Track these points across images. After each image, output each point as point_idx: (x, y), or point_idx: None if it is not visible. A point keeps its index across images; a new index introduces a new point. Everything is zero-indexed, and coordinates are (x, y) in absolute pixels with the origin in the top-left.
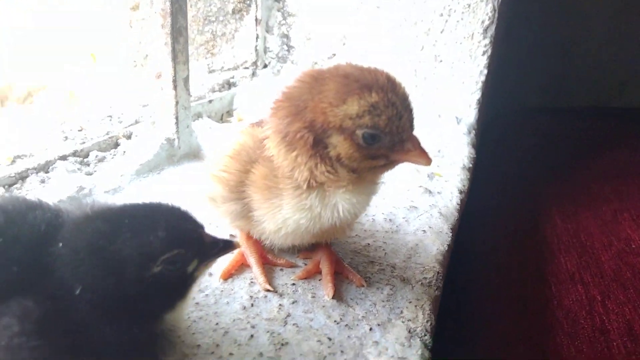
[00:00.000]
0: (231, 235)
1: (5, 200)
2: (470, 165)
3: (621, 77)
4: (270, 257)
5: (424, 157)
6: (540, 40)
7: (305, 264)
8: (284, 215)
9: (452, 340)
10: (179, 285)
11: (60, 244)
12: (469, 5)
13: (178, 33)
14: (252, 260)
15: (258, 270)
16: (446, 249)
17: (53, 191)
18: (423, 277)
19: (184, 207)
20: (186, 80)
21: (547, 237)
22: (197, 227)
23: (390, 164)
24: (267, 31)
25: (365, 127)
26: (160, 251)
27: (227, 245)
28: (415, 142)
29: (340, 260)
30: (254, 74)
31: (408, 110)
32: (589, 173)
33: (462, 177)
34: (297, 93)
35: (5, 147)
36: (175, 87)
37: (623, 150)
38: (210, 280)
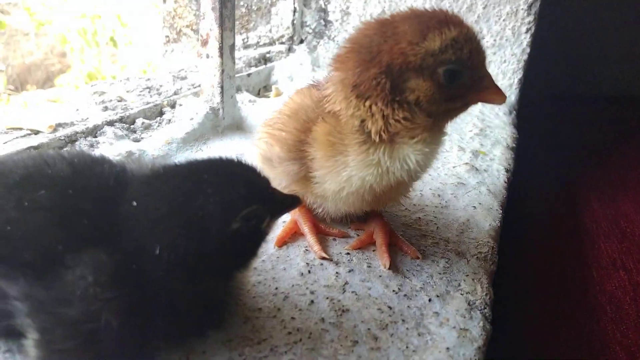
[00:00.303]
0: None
1: (71, 154)
2: (514, 145)
3: None
4: (323, 227)
5: (499, 94)
6: (572, 27)
7: (358, 235)
8: (349, 173)
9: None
10: (254, 241)
11: (135, 202)
12: None
13: None
14: (305, 228)
15: (312, 239)
16: (498, 225)
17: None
18: (478, 251)
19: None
20: (232, 47)
21: (586, 223)
22: (269, 183)
23: (465, 105)
24: (304, 5)
25: (448, 62)
26: (241, 207)
27: (295, 201)
28: (491, 80)
29: (394, 231)
30: (290, 50)
31: (482, 46)
32: (624, 159)
33: (507, 155)
34: (366, 40)
35: (44, 117)
36: (221, 55)
37: None
38: (266, 247)
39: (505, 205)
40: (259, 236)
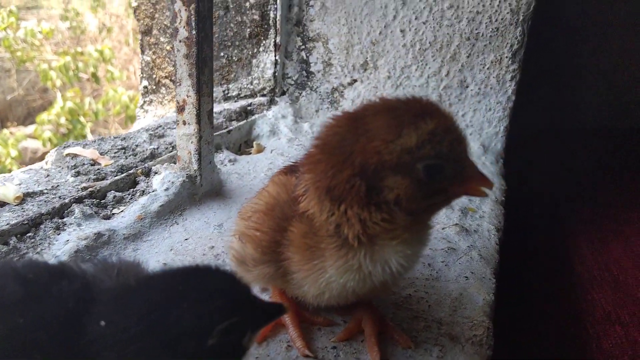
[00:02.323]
0: (263, 290)
1: (25, 267)
2: (503, 198)
3: (636, 97)
4: (307, 315)
5: (485, 183)
6: (556, 63)
7: (346, 322)
8: (327, 279)
9: None
10: (233, 356)
11: (103, 322)
12: (497, 29)
13: (203, 63)
14: (288, 320)
15: (295, 332)
16: (492, 299)
17: (70, 239)
18: (473, 334)
19: (229, 270)
20: (210, 113)
21: (578, 271)
22: (248, 291)
23: (448, 199)
24: (286, 57)
25: (427, 157)
26: (218, 320)
27: (279, 310)
28: (475, 168)
29: (384, 317)
30: (272, 102)
31: (462, 134)
32: (615, 198)
33: (497, 212)
34: (337, 139)
35: (11, 187)
36: (199, 121)
37: None
38: None
39: (498, 272)
40: (240, 351)
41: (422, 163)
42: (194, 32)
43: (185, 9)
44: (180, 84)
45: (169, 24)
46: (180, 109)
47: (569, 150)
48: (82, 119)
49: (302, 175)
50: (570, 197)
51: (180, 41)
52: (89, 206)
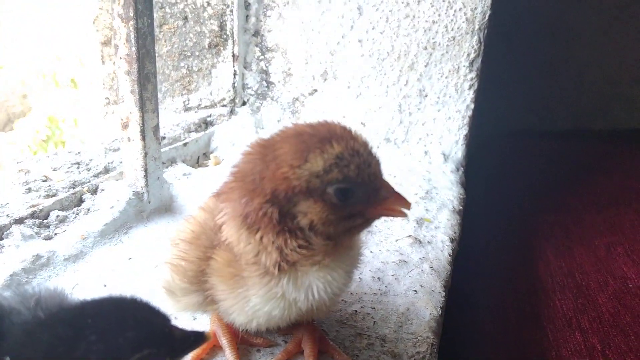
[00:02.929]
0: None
1: None
2: (461, 207)
3: (604, 99)
4: (245, 336)
5: (402, 203)
6: (523, 64)
7: (286, 342)
8: (252, 307)
9: None
10: None
11: (8, 358)
12: (454, 38)
13: (146, 80)
14: (224, 341)
15: (232, 355)
16: (439, 313)
17: (6, 261)
18: (416, 350)
19: (145, 299)
20: (156, 129)
21: (541, 277)
22: (165, 321)
23: (367, 221)
24: (245, 67)
25: (336, 181)
26: (130, 353)
27: (198, 339)
28: (390, 188)
29: (324, 336)
30: (232, 112)
31: (374, 157)
32: (579, 201)
33: (453, 222)
34: (248, 167)
35: None
36: (143, 138)
37: (610, 175)
38: None
39: (449, 284)
40: None
41: (332, 187)
42: (134, 48)
43: (124, 26)
44: (123, 101)
45: None
46: (124, 126)
47: (535, 153)
48: (61, 125)
49: (221, 204)
50: (536, 202)
51: (120, 58)
52: (30, 227)
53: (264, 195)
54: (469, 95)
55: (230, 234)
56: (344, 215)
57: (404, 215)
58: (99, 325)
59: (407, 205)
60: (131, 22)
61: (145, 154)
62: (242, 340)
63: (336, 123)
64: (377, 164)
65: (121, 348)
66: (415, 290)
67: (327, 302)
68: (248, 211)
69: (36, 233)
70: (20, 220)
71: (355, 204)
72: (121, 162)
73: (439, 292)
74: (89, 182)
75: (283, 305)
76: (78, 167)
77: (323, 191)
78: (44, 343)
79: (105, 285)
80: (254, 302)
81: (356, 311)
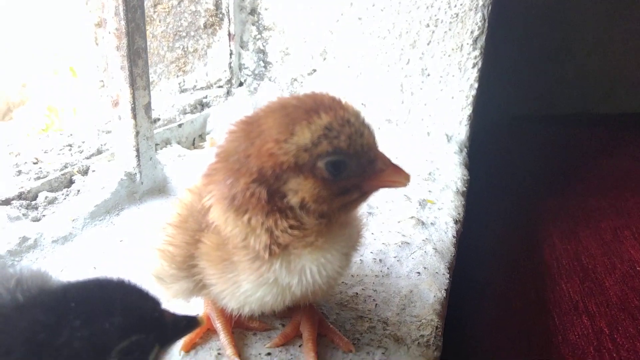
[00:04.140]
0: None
1: None
2: (464, 189)
3: (609, 83)
4: (241, 320)
5: (400, 174)
6: (527, 48)
7: (283, 325)
8: (244, 293)
9: None
10: None
11: None
12: (457, 15)
13: (136, 55)
14: (219, 325)
15: (226, 339)
16: (444, 295)
17: None
18: (420, 334)
19: (134, 281)
20: (147, 107)
21: (547, 261)
22: (155, 305)
23: (363, 195)
24: (241, 47)
25: (326, 154)
26: (117, 339)
27: (190, 324)
28: (386, 159)
29: (324, 319)
30: (228, 93)
31: (366, 125)
32: (584, 185)
33: (457, 203)
34: (232, 146)
35: None
36: (134, 116)
37: (615, 159)
38: (170, 353)
39: (453, 266)
40: None
41: (323, 160)
42: (122, 22)
43: None
44: (113, 78)
45: None
46: (115, 104)
47: (539, 137)
48: (60, 114)
49: (206, 187)
50: (540, 186)
51: (109, 33)
52: (17, 208)
53: (250, 175)
54: (473, 74)
55: (216, 217)
56: (338, 191)
57: (404, 184)
58: (83, 309)
59: (406, 176)
60: None
61: (137, 133)
62: (237, 324)
63: (324, 94)
64: (371, 133)
65: (107, 334)
66: (419, 272)
67: (322, 286)
68: (234, 192)
69: (23, 214)
70: (6, 202)
71: (349, 177)
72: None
73: (443, 274)
74: (80, 163)
75: (276, 290)
76: (70, 149)
77: (313, 166)
78: (23, 329)
79: (95, 268)
80: (245, 287)
81: (357, 293)
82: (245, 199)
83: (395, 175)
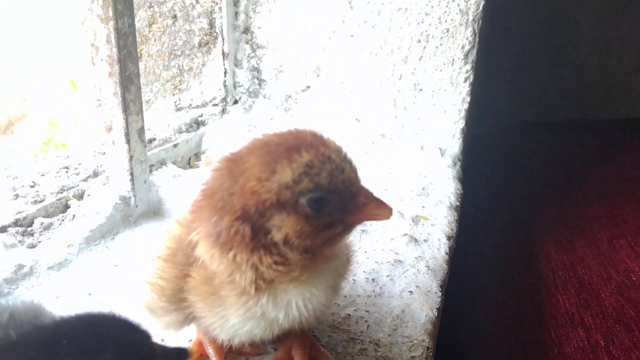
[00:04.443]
0: None
1: None
2: (458, 203)
3: (606, 88)
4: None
5: (383, 208)
6: (523, 55)
7: (275, 349)
8: (233, 326)
9: None
10: None
11: None
12: (448, 30)
13: (129, 81)
14: (211, 351)
15: None
16: (435, 314)
17: None
18: (410, 355)
19: (125, 315)
20: (141, 131)
21: (543, 272)
22: (146, 339)
23: (347, 229)
24: (235, 65)
25: (308, 191)
26: None
27: (180, 357)
28: (369, 194)
29: (315, 343)
30: (223, 111)
31: (347, 161)
32: (580, 193)
33: (450, 218)
34: (216, 184)
35: None
36: (128, 141)
37: (611, 166)
38: None
39: (446, 283)
40: None
41: (305, 197)
42: (114, 50)
43: (104, 27)
44: (106, 104)
45: None
46: (108, 129)
47: (536, 145)
48: (61, 127)
49: (191, 223)
50: (536, 194)
51: (102, 60)
52: (13, 235)
53: (234, 212)
54: (465, 88)
55: (203, 254)
56: (321, 226)
57: (387, 217)
58: (74, 346)
59: (389, 211)
60: (111, 23)
61: (131, 157)
62: (230, 348)
63: (307, 130)
64: (352, 169)
65: None
66: (411, 291)
67: (309, 318)
68: (219, 230)
69: (19, 241)
70: (2, 229)
71: (332, 213)
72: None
73: (435, 293)
74: (77, 186)
75: (264, 324)
76: (67, 172)
77: (295, 202)
78: None
79: (90, 294)
80: (233, 321)
81: (349, 315)
82: (229, 236)
83: (377, 209)
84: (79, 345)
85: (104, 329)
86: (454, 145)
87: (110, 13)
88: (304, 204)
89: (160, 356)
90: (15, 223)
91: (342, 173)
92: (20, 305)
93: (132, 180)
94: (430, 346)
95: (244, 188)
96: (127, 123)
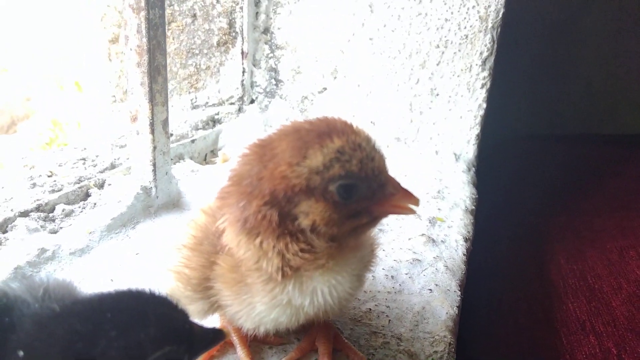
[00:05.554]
0: None
1: None
2: (473, 207)
3: (612, 103)
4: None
5: (410, 198)
6: (534, 68)
7: (299, 339)
8: (259, 314)
9: None
10: None
11: (21, 353)
12: (467, 37)
13: (156, 72)
14: (235, 338)
15: (243, 352)
16: (456, 312)
17: (11, 254)
18: (433, 350)
19: (165, 293)
20: (165, 122)
21: (553, 280)
22: (185, 317)
23: (373, 220)
24: (254, 65)
25: (338, 178)
26: (151, 350)
27: (217, 337)
28: (397, 184)
29: (339, 334)
30: (240, 110)
31: (377, 150)
32: (590, 204)
33: (466, 221)
34: (245, 169)
35: None
36: (152, 131)
37: (620, 179)
38: None
39: (464, 283)
40: None
41: (335, 184)
42: (144, 40)
43: (136, 17)
44: (132, 94)
45: None
46: (133, 119)
47: (545, 157)
48: (64, 128)
49: (219, 210)
50: (547, 204)
51: (131, 49)
52: (35, 220)
53: (262, 197)
54: (482, 94)
55: (230, 240)
56: (348, 214)
57: (413, 212)
58: (119, 320)
59: (416, 201)
60: (142, 13)
61: (154, 148)
62: (254, 337)
63: (336, 118)
64: (382, 158)
65: (142, 345)
66: (430, 289)
67: (334, 307)
68: (246, 215)
69: (41, 226)
70: (25, 214)
71: (360, 201)
72: (128, 159)
73: (455, 291)
74: (95, 177)
75: (290, 311)
76: (84, 163)
77: (325, 189)
78: (60, 338)
79: (112, 280)
80: (260, 309)
81: (370, 309)
82: (257, 221)
83: (405, 200)
84: (123, 319)
85: (146, 305)
86: (469, 150)
87: (142, 3)
88: (333, 191)
89: (198, 334)
90: (37, 209)
91: (372, 161)
92: (54, 282)
93: (154, 170)
94: (452, 342)
95: (274, 172)
96: (152, 113)
